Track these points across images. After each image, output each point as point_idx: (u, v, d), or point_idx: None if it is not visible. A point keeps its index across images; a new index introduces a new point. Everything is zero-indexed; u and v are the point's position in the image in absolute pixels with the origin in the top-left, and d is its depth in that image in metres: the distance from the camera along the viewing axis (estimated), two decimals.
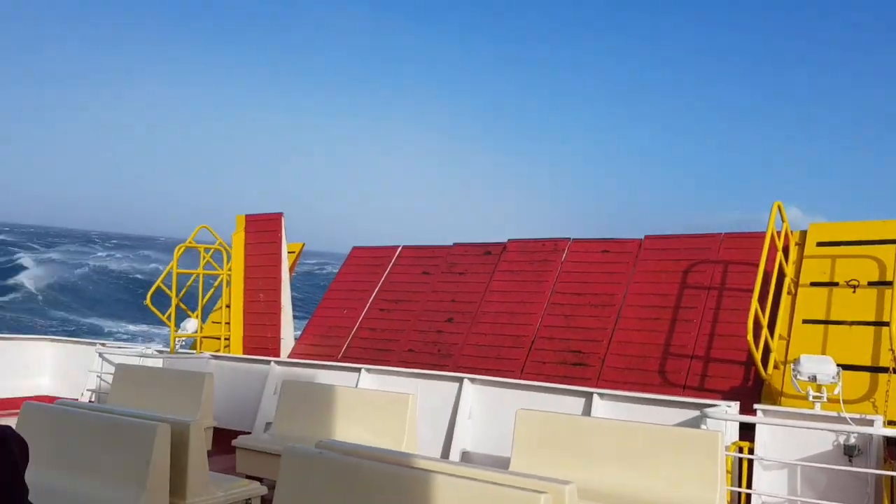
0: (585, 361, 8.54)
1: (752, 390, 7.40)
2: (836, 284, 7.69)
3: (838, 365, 6.48)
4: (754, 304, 6.87)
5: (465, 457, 7.91)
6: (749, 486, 6.36)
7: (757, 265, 7.36)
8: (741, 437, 6.58)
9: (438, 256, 11.03)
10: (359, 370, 8.89)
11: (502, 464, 5.99)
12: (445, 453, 7.91)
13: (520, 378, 8.51)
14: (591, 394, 7.41)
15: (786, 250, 8.17)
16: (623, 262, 9.40)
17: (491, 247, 10.74)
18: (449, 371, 8.73)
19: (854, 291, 7.55)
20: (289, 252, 11.61)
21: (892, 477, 5.67)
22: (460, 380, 8.19)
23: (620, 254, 9.51)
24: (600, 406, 7.37)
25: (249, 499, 5.63)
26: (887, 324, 7.09)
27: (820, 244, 8.14)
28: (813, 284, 7.83)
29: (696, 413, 6.63)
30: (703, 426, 6.16)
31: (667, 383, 7.84)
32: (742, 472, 6.44)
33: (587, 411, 7.35)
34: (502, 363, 9.08)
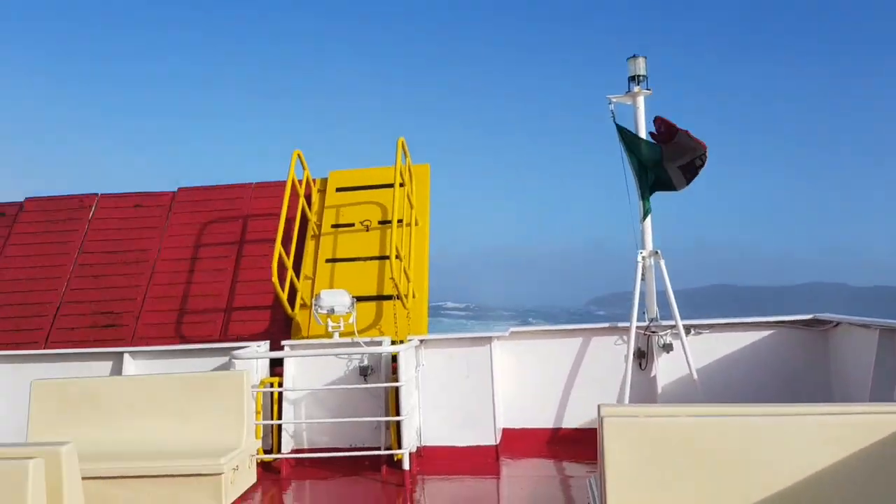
0: (118, 322, 8.14)
1: (283, 330, 7.86)
2: (353, 225, 8.53)
3: (353, 297, 7.23)
4: (277, 247, 7.27)
5: None
6: (280, 416, 6.80)
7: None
8: (276, 374, 6.98)
9: None
10: None
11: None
12: None
13: (45, 349, 7.80)
14: (122, 354, 7.13)
15: (308, 197, 8.76)
16: (156, 215, 9.12)
17: (3, 207, 9.50)
18: None
19: (367, 231, 8.46)
20: None
21: (396, 388, 6.53)
22: None
23: (153, 207, 9.21)
24: (133, 365, 7.14)
25: None
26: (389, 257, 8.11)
27: (339, 190, 8.91)
28: (334, 227, 8.57)
29: (228, 358, 6.83)
30: (234, 368, 6.38)
31: (203, 334, 7.89)
32: (273, 405, 6.85)
33: (118, 372, 7.08)
34: (22, 335, 8.16)
